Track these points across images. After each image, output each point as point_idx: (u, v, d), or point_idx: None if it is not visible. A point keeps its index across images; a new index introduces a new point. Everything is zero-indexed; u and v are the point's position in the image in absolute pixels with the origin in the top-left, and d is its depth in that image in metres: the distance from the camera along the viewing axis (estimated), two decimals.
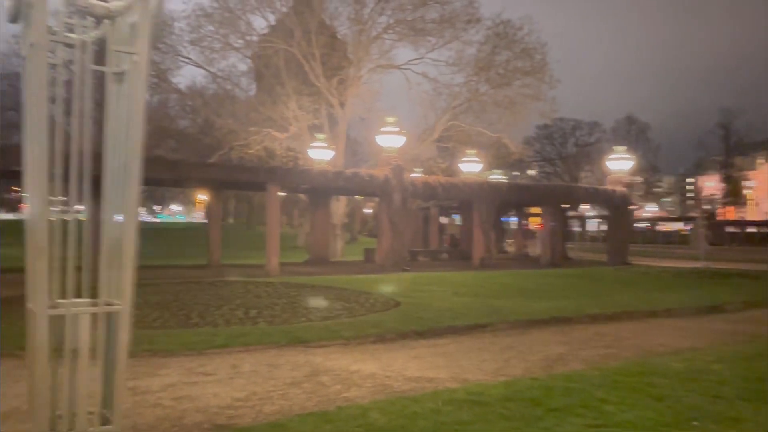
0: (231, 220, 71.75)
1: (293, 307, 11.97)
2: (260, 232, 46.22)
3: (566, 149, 77.65)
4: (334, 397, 6.09)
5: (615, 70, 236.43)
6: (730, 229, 68.03)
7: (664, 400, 5.79)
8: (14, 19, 3.76)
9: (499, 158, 40.22)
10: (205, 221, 34.15)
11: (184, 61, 32.39)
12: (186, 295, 13.16)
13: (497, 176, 38.92)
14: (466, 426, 4.90)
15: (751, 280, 19.74)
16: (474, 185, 27.30)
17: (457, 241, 34.44)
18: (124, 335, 3.77)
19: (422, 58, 32.44)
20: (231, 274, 18.19)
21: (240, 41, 32.66)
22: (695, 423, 5.06)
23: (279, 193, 23.25)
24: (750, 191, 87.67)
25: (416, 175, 29.19)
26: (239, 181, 24.73)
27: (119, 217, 3.78)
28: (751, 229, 67.67)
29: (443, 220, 40.85)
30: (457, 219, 40.62)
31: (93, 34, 3.88)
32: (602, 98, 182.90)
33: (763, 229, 65.73)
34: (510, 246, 40.61)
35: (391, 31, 32.24)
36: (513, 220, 43.71)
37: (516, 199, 31.04)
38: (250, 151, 31.07)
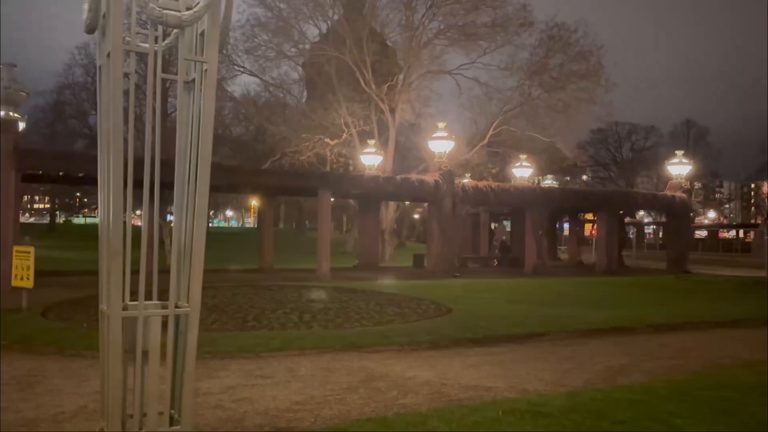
0: (281, 225, 72.85)
1: (346, 312, 12.01)
2: (310, 237, 46.78)
3: (621, 154, 75.34)
4: (391, 403, 6.06)
5: (673, 73, 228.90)
6: None
7: (736, 414, 5.53)
8: (91, 29, 3.90)
9: (552, 163, 39.45)
10: (257, 226, 34.78)
11: (239, 70, 33.19)
12: (241, 299, 13.39)
13: (550, 181, 38.16)
14: None
15: None
16: (526, 191, 26.87)
17: (507, 247, 33.91)
18: (192, 337, 3.84)
19: (473, 62, 32.19)
20: (284, 278, 18.44)
21: (293, 50, 33.24)
22: None
23: (330, 199, 23.48)
24: None
25: (467, 180, 28.96)
26: (292, 187, 25.14)
27: (189, 222, 3.85)
28: None
29: (493, 226, 40.35)
30: (508, 225, 40.02)
31: (164, 44, 3.99)
32: (659, 102, 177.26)
33: None
34: (563, 253, 39.75)
35: (442, 37, 32.14)
36: (566, 227, 42.76)
37: (570, 205, 30.38)
38: (302, 158, 31.48)
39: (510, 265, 29.50)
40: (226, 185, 22.42)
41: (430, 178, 24.05)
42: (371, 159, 27.50)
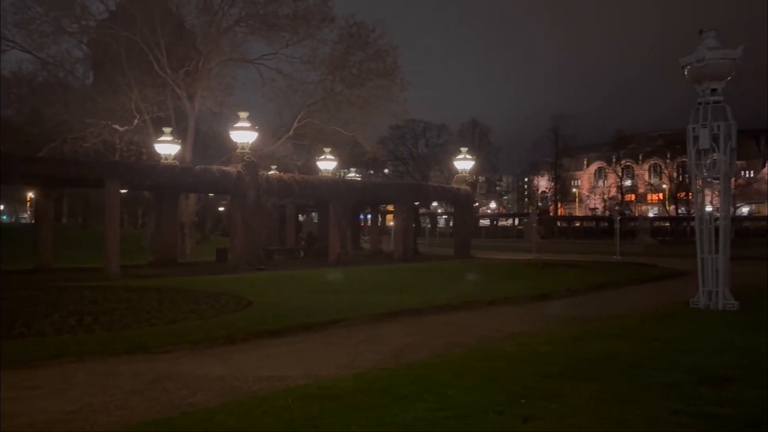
0: (64, 220, 65.39)
1: (135, 311, 11.22)
2: (98, 232, 42.69)
3: (417, 149, 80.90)
4: (179, 402, 5.82)
5: (463, 76, 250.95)
6: (560, 223, 75.42)
7: (499, 381, 6.24)
8: None
9: (355, 157, 40.80)
10: (33, 221, 30.90)
11: (7, 45, 28.95)
12: (9, 303, 11.81)
13: (353, 174, 39.43)
14: (315, 420, 4.93)
15: (575, 269, 21.98)
16: (330, 183, 27.49)
17: (314, 238, 34.39)
18: None
19: (276, 53, 31.94)
20: (64, 279, 16.63)
21: (74, 26, 29.91)
22: (523, 400, 5.51)
23: (120, 191, 21.63)
24: (576, 189, 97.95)
25: (272, 172, 28.73)
26: (73, 177, 22.56)
27: None
28: (577, 224, 75.64)
29: (301, 217, 40.62)
30: (315, 217, 40.60)
31: None
32: (451, 102, 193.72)
33: (587, 224, 73.90)
34: (366, 243, 41.45)
35: (242, 24, 31.34)
36: (369, 218, 44.65)
37: (371, 196, 31.73)
38: (86, 145, 28.58)
39: (316, 255, 29.98)
40: None
41: (232, 169, 23.42)
42: (168, 148, 25.87)
